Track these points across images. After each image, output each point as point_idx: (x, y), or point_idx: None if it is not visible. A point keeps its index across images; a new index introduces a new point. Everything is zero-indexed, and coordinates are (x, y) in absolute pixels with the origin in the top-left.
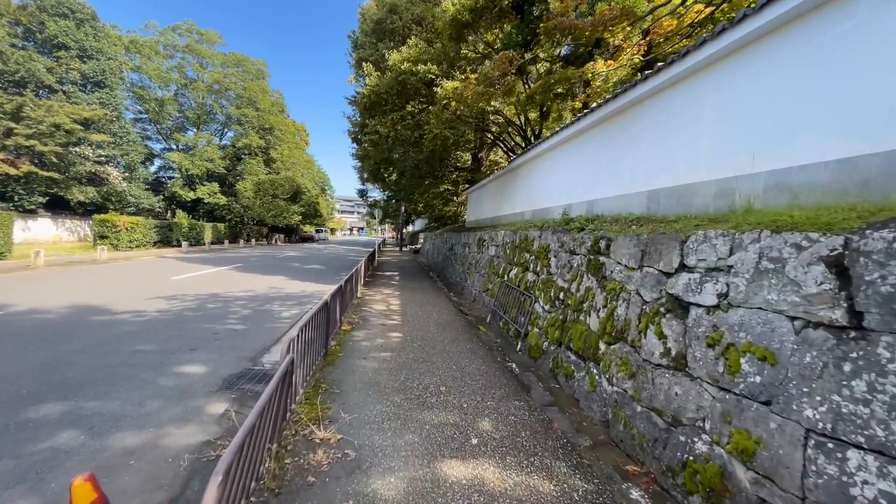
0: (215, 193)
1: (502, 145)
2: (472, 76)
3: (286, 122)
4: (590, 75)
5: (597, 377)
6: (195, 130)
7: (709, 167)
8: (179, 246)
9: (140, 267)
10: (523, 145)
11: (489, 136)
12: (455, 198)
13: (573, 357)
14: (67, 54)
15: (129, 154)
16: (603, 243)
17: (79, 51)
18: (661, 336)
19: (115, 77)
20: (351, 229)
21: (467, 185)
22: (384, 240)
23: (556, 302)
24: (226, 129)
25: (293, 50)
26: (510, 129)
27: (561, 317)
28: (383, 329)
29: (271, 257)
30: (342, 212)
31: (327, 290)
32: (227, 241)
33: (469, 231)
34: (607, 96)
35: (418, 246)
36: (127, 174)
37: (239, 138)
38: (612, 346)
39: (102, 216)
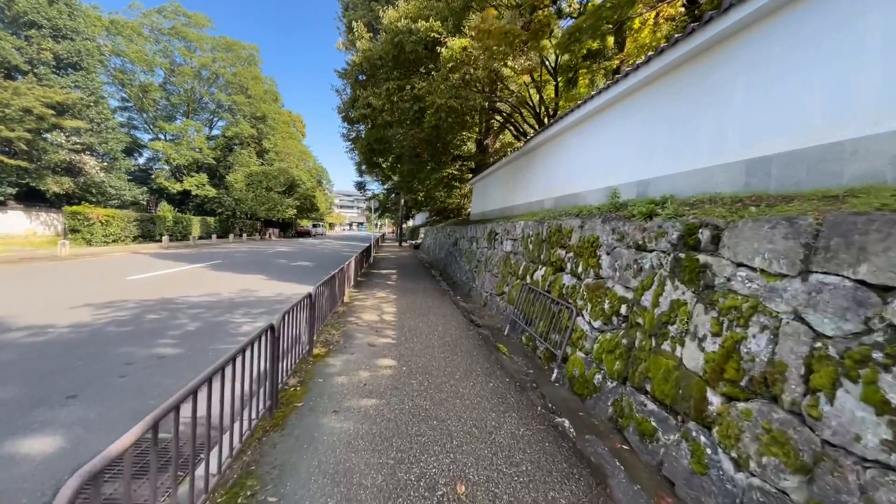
0: (203, 185)
1: (512, 129)
2: (492, 11)
3: (280, 112)
4: (636, 22)
5: (708, 450)
6: (183, 119)
7: (880, 111)
8: (161, 241)
9: (101, 265)
10: (537, 128)
11: (497, 119)
12: (458, 189)
13: (652, 406)
14: (39, 33)
15: (108, 142)
16: (705, 234)
17: (51, 29)
18: (881, 406)
19: (92, 59)
20: (350, 224)
21: (470, 176)
22: (383, 235)
23: (615, 318)
24: (215, 118)
25: (288, 34)
26: (522, 111)
27: (624, 340)
28: (371, 354)
29: (258, 253)
30: (341, 207)
31: (304, 289)
32: (214, 236)
33: (476, 224)
34: (663, 44)
35: (419, 241)
36: (105, 164)
37: (229, 127)
38: (742, 405)
39: (73, 208)
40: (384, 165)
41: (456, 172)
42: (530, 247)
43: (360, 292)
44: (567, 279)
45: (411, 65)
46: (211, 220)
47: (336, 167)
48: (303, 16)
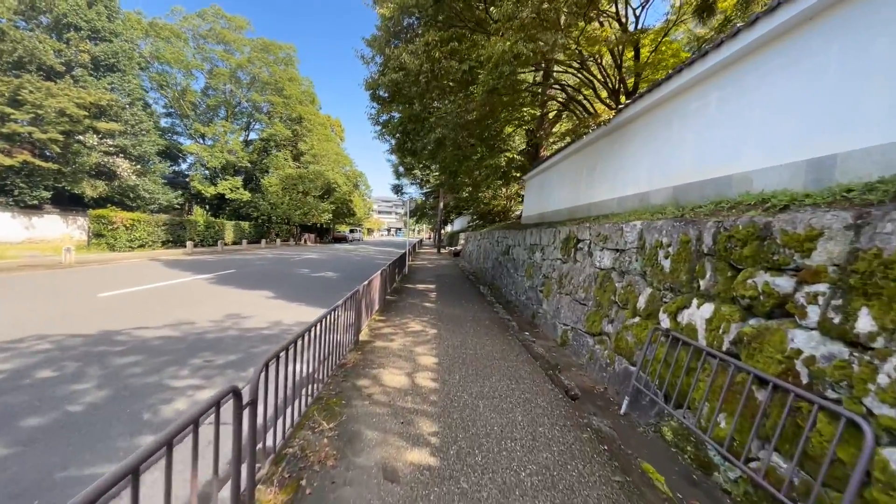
0: (237, 189)
1: (578, 110)
2: None
3: (316, 113)
4: None
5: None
6: (219, 120)
7: None
8: (195, 246)
9: (95, 275)
10: (613, 107)
11: (557, 101)
12: (503, 190)
13: None
14: (77, 35)
15: (141, 144)
16: None
17: (90, 31)
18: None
19: (130, 61)
20: (389, 230)
21: (519, 175)
22: (421, 240)
23: None
24: (253, 122)
25: (331, 39)
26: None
27: None
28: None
29: (282, 261)
30: (380, 212)
31: (317, 316)
32: (245, 242)
33: (536, 228)
34: None
35: (458, 248)
36: (139, 167)
37: (264, 129)
38: None
39: (97, 211)
40: (422, 152)
41: (503, 166)
42: (664, 263)
43: (386, 321)
44: (811, 340)
45: (459, 12)
46: (245, 224)
47: (375, 174)
48: (346, 24)
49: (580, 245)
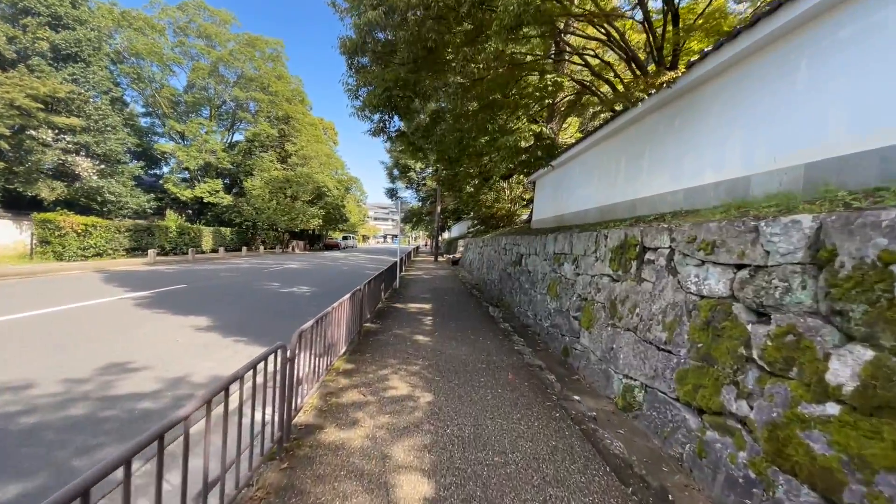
0: (217, 192)
1: (609, 88)
2: None
3: (306, 113)
4: None
5: None
6: (200, 118)
7: None
8: (164, 254)
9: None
10: (641, 90)
11: (570, 84)
12: (506, 192)
13: None
14: (35, 21)
15: (106, 142)
16: None
17: (50, 18)
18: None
19: (97, 52)
20: (385, 237)
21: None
22: (417, 248)
23: None
24: (237, 122)
25: (323, 46)
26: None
27: None
28: None
29: (255, 272)
30: (376, 219)
31: (254, 355)
32: (223, 249)
33: (564, 232)
34: None
35: (457, 255)
36: (103, 167)
37: (248, 129)
38: None
39: (43, 215)
40: (414, 133)
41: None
42: None
43: (355, 372)
44: None
45: None
46: (226, 231)
47: (371, 180)
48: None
49: (650, 255)
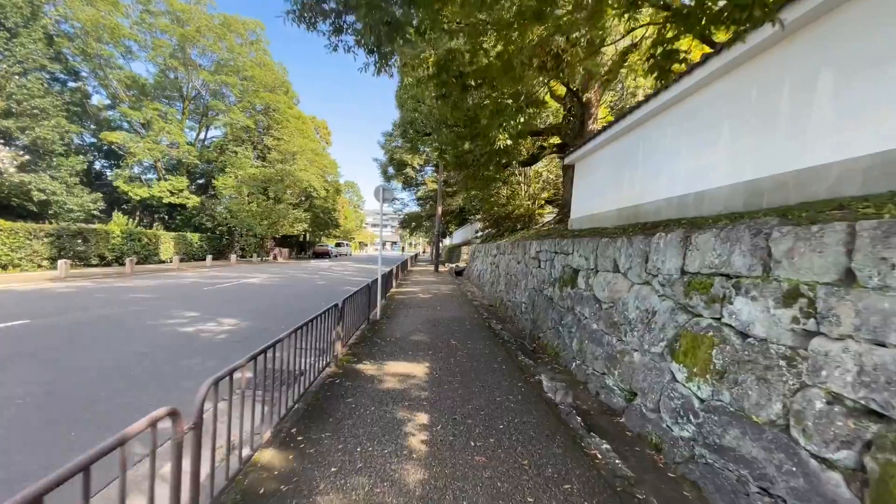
0: (181, 191)
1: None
2: None
3: (290, 105)
4: None
5: None
6: (167, 105)
7: None
8: (106, 264)
9: None
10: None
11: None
12: (522, 188)
13: None
14: None
15: (34, 128)
16: None
17: None
18: None
19: (33, 21)
20: (383, 244)
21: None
22: (416, 255)
23: None
24: (209, 112)
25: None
26: None
27: None
28: None
29: (182, 293)
30: (374, 225)
31: None
32: (177, 259)
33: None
34: None
35: (461, 264)
36: (27, 158)
37: (214, 118)
38: None
39: None
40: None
41: (534, 151)
42: None
43: None
44: None
45: None
46: (194, 236)
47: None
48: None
49: None
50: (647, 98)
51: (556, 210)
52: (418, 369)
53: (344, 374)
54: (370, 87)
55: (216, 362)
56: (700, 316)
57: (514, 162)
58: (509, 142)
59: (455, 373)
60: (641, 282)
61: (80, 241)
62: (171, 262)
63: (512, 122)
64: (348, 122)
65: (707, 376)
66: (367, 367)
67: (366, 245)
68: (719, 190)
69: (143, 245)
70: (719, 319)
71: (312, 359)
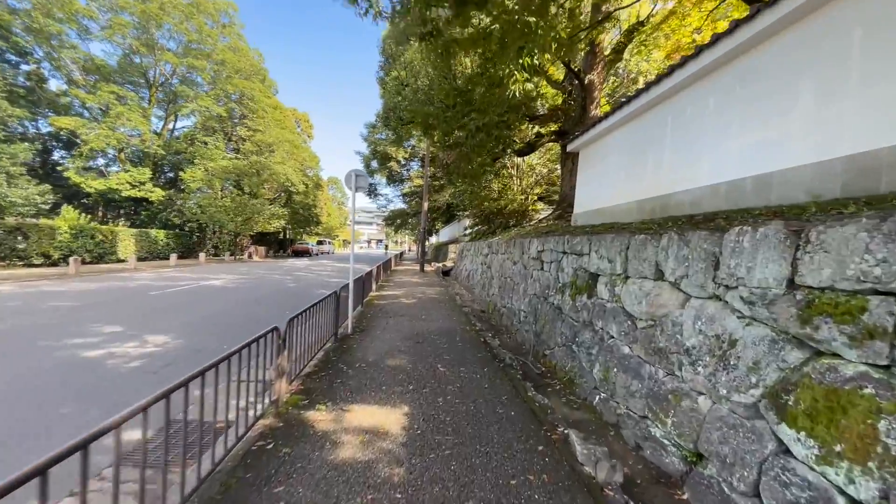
0: (143, 184)
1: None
2: None
3: (266, 93)
4: None
5: None
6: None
7: None
8: (52, 264)
9: None
10: None
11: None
12: (515, 182)
13: None
14: None
15: None
16: None
17: None
18: None
19: None
20: (369, 241)
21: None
22: (401, 253)
23: None
24: (177, 99)
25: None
26: None
27: None
28: None
29: (111, 300)
30: (359, 223)
31: None
32: (134, 258)
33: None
34: None
35: (449, 264)
36: None
37: (183, 106)
38: None
39: None
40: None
41: (531, 139)
42: None
43: None
44: None
45: None
46: (160, 234)
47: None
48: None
49: None
50: (684, 60)
51: (548, 207)
52: (393, 419)
53: (284, 429)
54: (358, 88)
55: (99, 412)
56: (839, 358)
57: (508, 150)
58: (528, 84)
59: (445, 426)
60: (706, 295)
61: (19, 237)
62: (126, 261)
63: (545, 39)
64: (335, 119)
65: (869, 463)
66: (320, 418)
67: (350, 243)
68: (796, 171)
69: (96, 243)
70: (888, 368)
71: (245, 400)
